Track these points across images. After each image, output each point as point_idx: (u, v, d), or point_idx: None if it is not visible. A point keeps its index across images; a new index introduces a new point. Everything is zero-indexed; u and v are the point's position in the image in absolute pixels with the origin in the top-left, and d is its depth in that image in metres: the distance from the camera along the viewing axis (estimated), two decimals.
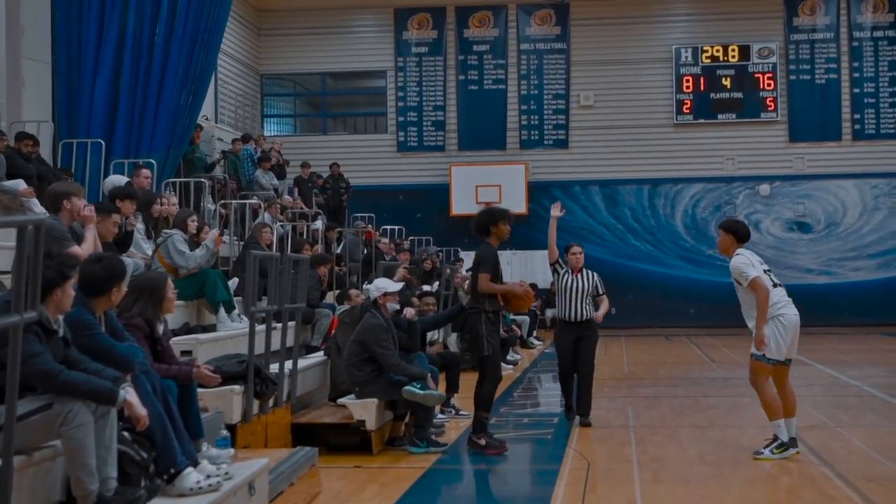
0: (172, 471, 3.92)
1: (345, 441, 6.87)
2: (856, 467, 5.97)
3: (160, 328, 4.76)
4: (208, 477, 4.01)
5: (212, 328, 7.72)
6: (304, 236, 12.68)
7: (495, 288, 6.55)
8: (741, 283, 6.10)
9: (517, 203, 18.82)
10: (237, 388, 5.80)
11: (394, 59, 20.23)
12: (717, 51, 19.73)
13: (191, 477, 3.92)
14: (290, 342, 6.93)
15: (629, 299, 18.73)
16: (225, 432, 5.14)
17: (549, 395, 10.72)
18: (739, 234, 6.30)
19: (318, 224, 14.18)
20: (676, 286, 19.11)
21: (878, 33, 19.70)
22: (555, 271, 7.83)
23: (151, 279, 5.03)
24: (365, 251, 14.31)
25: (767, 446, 6.03)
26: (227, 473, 4.27)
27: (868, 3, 19.54)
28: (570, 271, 7.77)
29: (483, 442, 6.44)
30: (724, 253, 6.42)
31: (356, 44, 20.36)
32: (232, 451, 5.00)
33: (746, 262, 6.11)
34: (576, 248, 7.98)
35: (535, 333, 16.57)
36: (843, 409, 8.58)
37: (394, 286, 7.44)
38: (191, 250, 7.77)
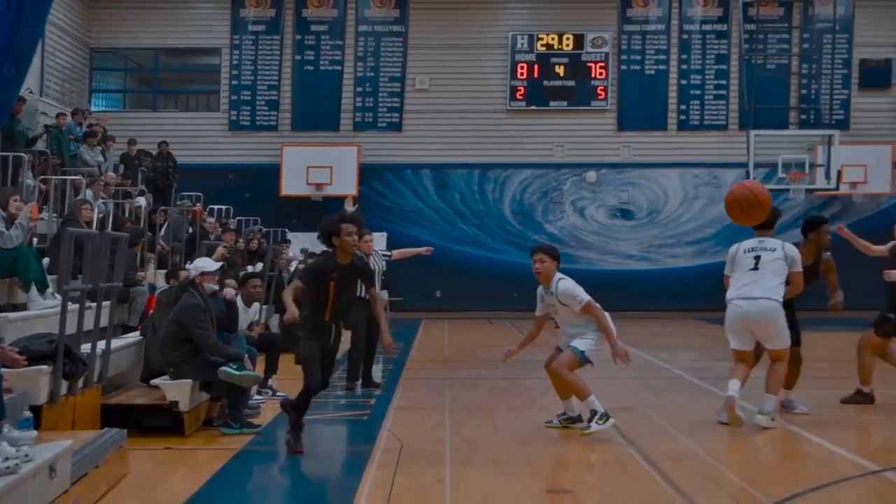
0: None
1: (157, 423, 8.26)
2: (660, 447, 7.62)
3: None
4: (6, 459, 4.68)
5: (23, 307, 9.24)
6: (128, 214, 16.14)
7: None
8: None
9: (348, 185, 24.90)
10: (45, 368, 6.95)
11: (229, 37, 26.04)
12: (553, 39, 25.89)
13: None
14: (104, 322, 8.23)
15: (455, 282, 24.93)
16: (28, 413, 6.02)
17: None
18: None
19: (142, 202, 18.16)
20: (502, 270, 25.12)
21: (707, 27, 26.03)
22: None
23: None
24: (190, 230, 19.00)
25: (591, 420, 7.88)
26: (27, 456, 4.98)
27: None
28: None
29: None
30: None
31: (191, 20, 26.11)
32: (35, 433, 5.85)
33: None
34: (367, 236, 10.72)
35: None
36: (652, 391, 11.03)
37: (212, 266, 9.08)
38: (7, 229, 9.48)
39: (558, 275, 8.26)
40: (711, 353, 15.12)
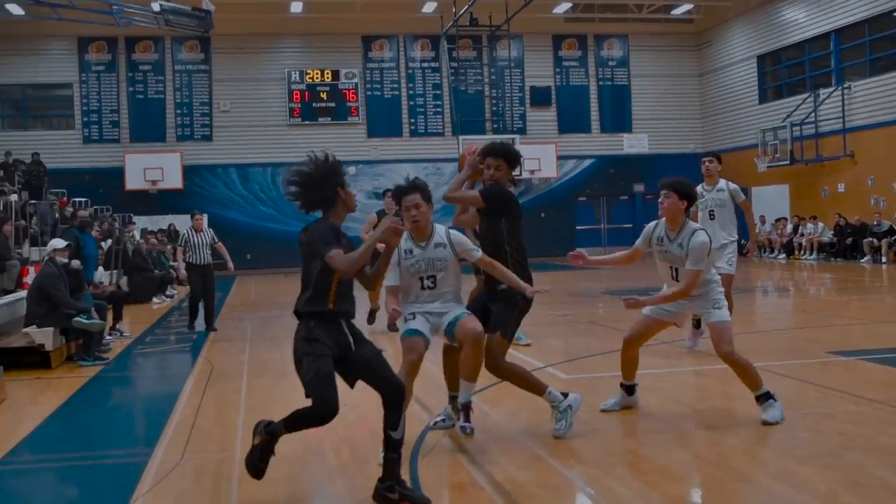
0: None
1: (30, 360, 10.90)
2: None
3: None
4: None
5: None
6: (3, 208, 20.46)
7: None
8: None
9: (175, 180, 34.91)
10: None
11: (78, 74, 35.58)
12: (317, 73, 36.71)
13: None
14: None
15: (259, 248, 35.23)
16: None
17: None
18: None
19: (14, 198, 22.30)
20: (291, 237, 35.48)
21: (425, 64, 37.46)
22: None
23: None
24: (57, 217, 28.95)
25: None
26: None
27: (417, 43, 37.44)
28: (192, 230, 14.42)
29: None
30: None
31: (49, 62, 35.29)
32: None
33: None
34: (198, 216, 14.71)
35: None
36: None
37: (61, 244, 12.01)
38: None
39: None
40: None
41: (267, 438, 5.41)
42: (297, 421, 5.34)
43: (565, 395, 6.90)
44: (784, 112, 33.24)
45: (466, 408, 6.75)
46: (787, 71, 35.02)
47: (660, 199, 7.28)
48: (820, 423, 7.09)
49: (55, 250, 11.82)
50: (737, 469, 5.97)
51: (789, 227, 32.02)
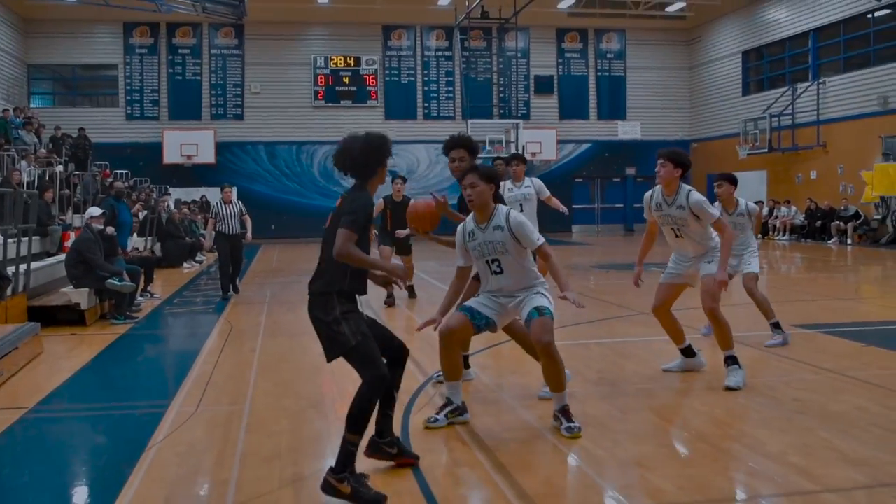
0: None
1: (67, 317, 10.89)
2: None
3: None
4: None
5: None
6: (50, 178, 20.31)
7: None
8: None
9: (209, 155, 34.95)
10: None
11: (122, 56, 35.62)
12: (340, 59, 36.57)
13: None
14: (25, 250, 11.12)
15: (283, 220, 35.28)
16: None
17: (218, 284, 15.02)
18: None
19: (60, 168, 22.05)
20: (313, 210, 35.63)
21: (439, 53, 37.34)
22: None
23: None
24: (99, 187, 29.10)
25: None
26: None
27: (433, 33, 37.23)
28: (222, 202, 14.24)
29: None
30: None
31: (97, 45, 35.37)
32: None
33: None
34: (227, 189, 14.59)
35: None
36: None
37: (97, 212, 11.95)
38: None
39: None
40: None
41: (350, 475, 4.67)
42: (363, 412, 4.68)
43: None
44: (765, 104, 33.04)
45: (565, 411, 5.92)
46: (768, 66, 34.74)
47: (657, 168, 7.23)
48: (777, 389, 7.06)
49: (91, 217, 11.80)
50: (697, 430, 5.95)
51: (765, 210, 31.85)
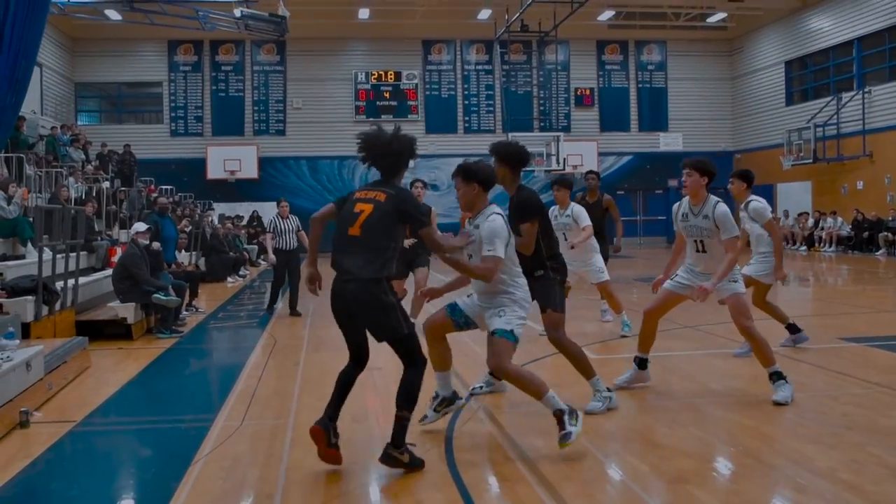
0: None
1: (114, 331, 10.98)
2: None
3: None
4: None
5: (21, 257, 12.54)
6: (95, 195, 20.06)
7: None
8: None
9: (251, 171, 35.31)
10: (29, 297, 9.77)
11: (167, 74, 36.12)
12: (381, 74, 36.83)
13: None
14: (73, 266, 11.23)
15: (325, 233, 35.34)
16: (10, 328, 7.70)
17: (261, 299, 16.00)
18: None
19: (106, 185, 22.25)
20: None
21: (479, 67, 37.43)
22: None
23: None
24: (145, 203, 29.34)
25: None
26: (8, 357, 6.70)
27: (473, 48, 37.33)
28: (279, 217, 13.84)
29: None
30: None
31: (142, 63, 35.91)
32: (17, 341, 7.42)
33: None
34: (284, 203, 14.15)
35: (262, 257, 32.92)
36: None
37: (143, 227, 11.97)
38: (8, 205, 13.19)
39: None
40: None
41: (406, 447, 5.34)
42: (417, 390, 5.33)
43: (610, 390, 6.82)
44: (809, 114, 32.67)
45: (557, 416, 5.73)
46: (812, 75, 34.35)
47: (682, 179, 7.22)
48: (826, 404, 6.96)
49: (137, 233, 11.91)
50: (744, 446, 5.88)
51: (810, 221, 31.48)
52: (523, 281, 6.01)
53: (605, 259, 10.82)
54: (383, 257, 5.20)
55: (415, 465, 5.29)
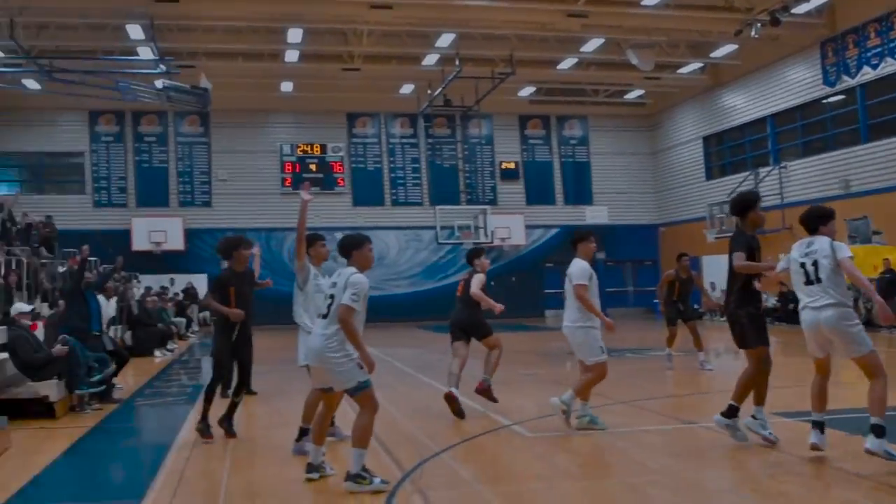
0: None
1: (37, 410, 10.57)
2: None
3: None
4: None
5: None
6: (14, 267, 20.59)
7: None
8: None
9: (177, 243, 34.73)
10: None
11: (89, 144, 35.62)
12: (307, 146, 36.84)
13: None
14: None
15: (254, 307, 34.93)
16: None
17: (191, 374, 17.11)
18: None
19: (24, 258, 22.21)
20: (285, 296, 35.23)
21: (404, 140, 37.73)
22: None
23: None
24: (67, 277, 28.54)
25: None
26: None
27: (397, 121, 37.70)
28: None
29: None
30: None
31: (63, 133, 35.30)
32: None
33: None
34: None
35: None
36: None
37: (26, 308, 11.99)
38: None
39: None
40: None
41: None
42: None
43: None
44: (729, 188, 33.47)
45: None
46: (729, 151, 35.43)
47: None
48: (763, 484, 6.93)
49: (20, 313, 11.59)
50: None
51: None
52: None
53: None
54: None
55: None
